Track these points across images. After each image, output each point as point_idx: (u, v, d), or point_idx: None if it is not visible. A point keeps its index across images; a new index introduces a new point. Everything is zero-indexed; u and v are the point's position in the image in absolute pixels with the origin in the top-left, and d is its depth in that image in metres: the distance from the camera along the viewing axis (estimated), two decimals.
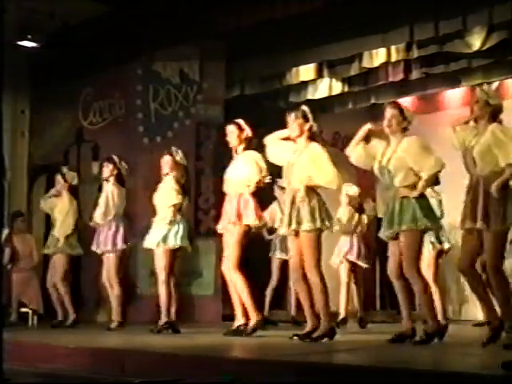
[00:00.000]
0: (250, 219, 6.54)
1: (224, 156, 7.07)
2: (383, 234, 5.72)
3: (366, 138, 5.85)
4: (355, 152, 5.86)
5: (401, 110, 5.71)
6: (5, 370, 3.66)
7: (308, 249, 5.93)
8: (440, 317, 7.49)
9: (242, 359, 4.96)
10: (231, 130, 6.71)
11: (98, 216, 7.95)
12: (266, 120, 7.69)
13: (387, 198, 5.70)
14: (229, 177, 6.70)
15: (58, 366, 5.29)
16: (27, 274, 9.22)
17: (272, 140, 6.37)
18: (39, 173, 10.61)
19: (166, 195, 7.26)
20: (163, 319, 7.16)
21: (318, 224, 5.90)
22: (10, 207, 9.75)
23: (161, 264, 7.21)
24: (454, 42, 8.19)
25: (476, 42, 8.04)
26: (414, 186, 5.60)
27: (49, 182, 10.50)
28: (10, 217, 9.26)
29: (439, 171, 5.65)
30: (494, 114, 5.28)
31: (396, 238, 5.64)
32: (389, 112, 5.69)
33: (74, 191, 8.64)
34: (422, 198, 5.64)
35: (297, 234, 5.98)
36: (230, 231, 6.58)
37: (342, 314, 8.30)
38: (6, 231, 8.87)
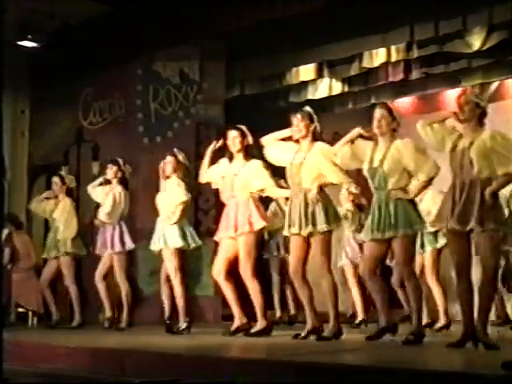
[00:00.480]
0: (263, 222, 6.57)
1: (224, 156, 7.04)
2: (371, 235, 5.64)
3: (353, 140, 5.87)
4: (341, 152, 5.87)
5: (390, 110, 5.73)
6: (5, 369, 3.66)
7: (322, 250, 5.99)
8: (442, 316, 7.53)
9: (242, 359, 4.96)
10: (235, 135, 6.67)
11: (103, 215, 7.98)
12: (265, 120, 7.70)
13: (376, 200, 5.67)
14: (235, 183, 6.61)
15: (58, 366, 5.29)
16: (25, 274, 9.20)
17: (270, 141, 6.39)
18: (39, 173, 10.60)
19: (173, 195, 7.25)
20: (183, 320, 7.18)
21: (333, 225, 6.00)
22: (10, 207, 9.75)
23: (173, 265, 7.22)
24: (454, 42, 8.19)
25: (476, 42, 8.04)
26: (403, 189, 5.63)
27: (49, 182, 10.49)
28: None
29: (437, 174, 5.67)
30: (481, 116, 5.28)
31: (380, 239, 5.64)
32: (378, 113, 5.70)
33: (70, 194, 8.62)
34: (411, 200, 5.67)
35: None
36: (243, 237, 6.53)
37: (361, 316, 8.31)
38: (5, 231, 8.86)
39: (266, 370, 4.40)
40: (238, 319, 6.65)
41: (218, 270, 6.65)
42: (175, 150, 7.43)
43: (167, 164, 7.33)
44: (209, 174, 6.88)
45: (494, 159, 5.12)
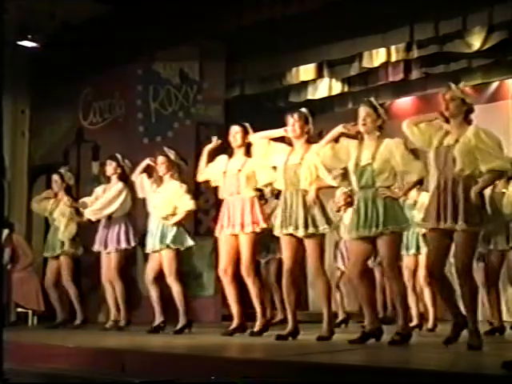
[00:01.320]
0: (265, 222, 6.58)
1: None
2: (357, 233, 5.59)
3: (336, 139, 5.82)
4: (322, 152, 5.80)
5: (375, 108, 5.68)
6: (5, 369, 3.66)
7: (318, 251, 6.02)
8: (431, 318, 7.54)
9: (242, 359, 4.95)
10: (237, 131, 6.67)
11: (89, 212, 7.93)
12: (265, 120, 7.69)
13: (362, 198, 5.62)
14: (240, 178, 6.61)
15: (57, 366, 5.29)
16: (25, 273, 9.19)
17: (259, 139, 6.41)
18: (39, 173, 10.60)
19: (172, 197, 7.24)
20: (183, 320, 7.18)
21: (332, 226, 6.07)
22: (10, 207, 9.74)
23: (172, 265, 7.21)
24: (454, 41, 8.20)
25: (476, 42, 8.05)
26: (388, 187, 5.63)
27: (49, 182, 10.48)
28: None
29: (426, 176, 5.70)
30: (468, 113, 5.25)
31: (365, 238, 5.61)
32: (363, 111, 5.65)
33: (69, 191, 8.59)
34: (397, 199, 5.68)
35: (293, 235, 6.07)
36: (248, 236, 6.54)
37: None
38: (6, 231, 8.85)
39: (266, 370, 4.40)
40: (238, 319, 6.66)
41: (225, 267, 6.64)
42: (165, 148, 7.42)
43: (160, 165, 7.31)
44: (207, 172, 6.88)
45: (477, 156, 5.10)
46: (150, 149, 9.32)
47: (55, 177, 8.55)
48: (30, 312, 9.15)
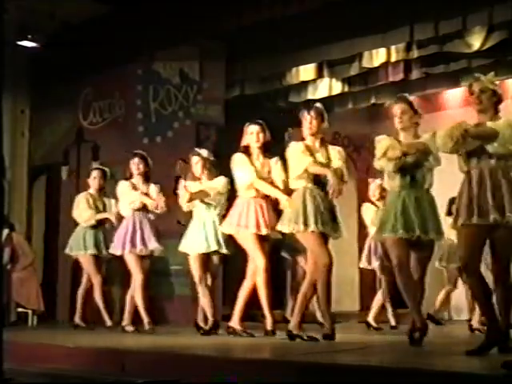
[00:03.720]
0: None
1: (224, 155, 7.01)
2: (410, 234, 5.31)
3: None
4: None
5: (410, 104, 5.49)
6: (5, 369, 3.66)
7: None
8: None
9: (242, 359, 4.96)
10: (258, 131, 6.51)
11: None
12: (265, 120, 7.69)
13: (411, 198, 5.37)
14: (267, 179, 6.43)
15: (57, 366, 5.29)
16: (24, 273, 9.19)
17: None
18: (39, 173, 10.61)
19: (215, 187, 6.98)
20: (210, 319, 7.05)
21: None
22: (10, 207, 9.75)
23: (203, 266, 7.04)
24: (454, 41, 8.20)
25: (476, 42, 8.05)
26: None
27: (49, 182, 10.50)
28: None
29: None
30: (497, 105, 4.85)
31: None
32: (399, 108, 5.43)
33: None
34: None
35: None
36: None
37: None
38: (5, 231, 8.85)
39: (266, 369, 4.40)
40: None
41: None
42: (196, 149, 7.20)
43: (195, 165, 7.03)
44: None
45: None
46: (149, 149, 9.33)
47: (96, 173, 8.34)
48: (30, 312, 9.15)
